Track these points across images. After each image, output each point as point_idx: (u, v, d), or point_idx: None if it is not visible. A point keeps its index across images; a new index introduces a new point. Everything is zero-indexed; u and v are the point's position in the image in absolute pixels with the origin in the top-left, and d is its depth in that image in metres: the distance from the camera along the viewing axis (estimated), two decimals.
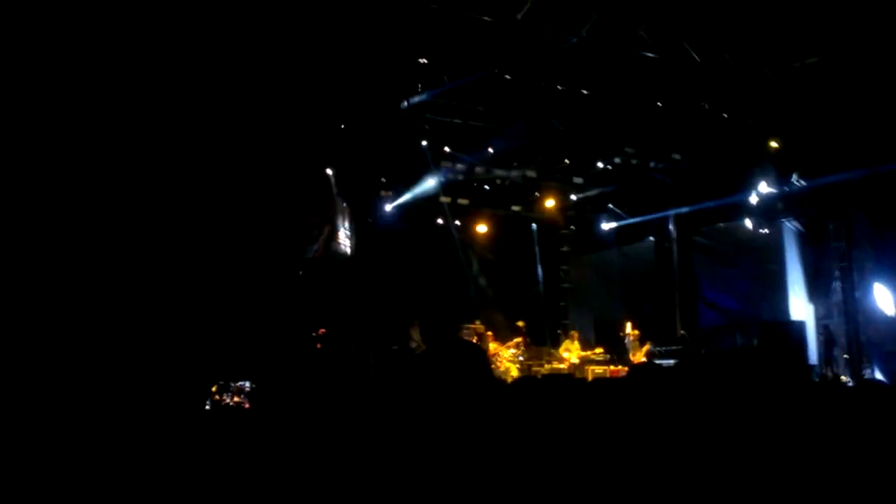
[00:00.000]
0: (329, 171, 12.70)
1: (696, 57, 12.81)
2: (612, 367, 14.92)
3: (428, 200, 15.95)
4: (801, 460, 3.07)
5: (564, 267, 19.68)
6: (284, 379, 10.42)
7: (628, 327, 15.79)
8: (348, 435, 2.91)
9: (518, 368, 14.74)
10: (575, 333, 16.43)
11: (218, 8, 10.17)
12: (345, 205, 12.69)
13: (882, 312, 14.35)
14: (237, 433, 3.70)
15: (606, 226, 18.62)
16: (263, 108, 11.74)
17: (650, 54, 12.45)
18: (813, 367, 14.24)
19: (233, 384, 10.93)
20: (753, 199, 15.62)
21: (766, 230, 16.07)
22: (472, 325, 15.22)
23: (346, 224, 13.17)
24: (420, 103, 13.06)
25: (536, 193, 17.40)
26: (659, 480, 2.71)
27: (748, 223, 16.28)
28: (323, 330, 12.10)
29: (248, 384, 10.75)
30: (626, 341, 15.67)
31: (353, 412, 3.16)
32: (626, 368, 14.40)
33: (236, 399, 10.61)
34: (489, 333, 14.99)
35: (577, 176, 17.00)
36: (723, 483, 2.77)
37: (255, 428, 3.69)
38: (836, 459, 2.97)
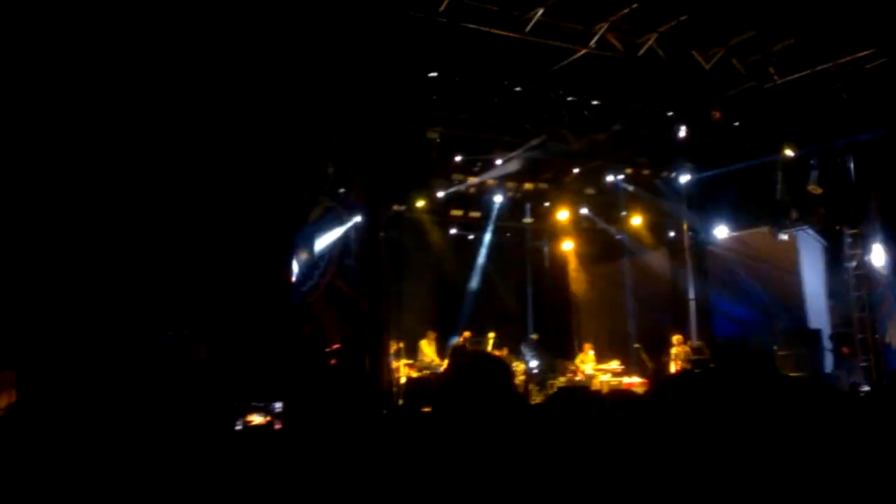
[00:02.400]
0: (342, 190, 12.69)
1: (705, 65, 12.78)
2: (626, 380, 14.79)
3: (439, 213, 15.94)
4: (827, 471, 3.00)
5: (577, 278, 19.62)
6: (309, 398, 10.30)
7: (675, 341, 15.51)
8: (371, 451, 2.86)
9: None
10: (588, 346, 16.34)
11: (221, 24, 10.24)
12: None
13: None
14: (268, 452, 3.66)
15: (619, 236, 18.53)
16: (271, 128, 11.79)
17: (659, 63, 12.44)
18: (832, 375, 14.08)
19: (263, 404, 10.82)
20: (768, 206, 15.51)
21: (782, 238, 15.93)
22: (485, 338, 15.14)
23: (358, 240, 13.12)
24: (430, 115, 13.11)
25: (546, 204, 17.34)
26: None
27: (763, 232, 16.16)
28: (337, 345, 12.06)
29: (278, 405, 10.58)
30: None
31: (374, 430, 3.11)
32: (643, 381, 14.27)
33: (267, 418, 10.43)
34: (505, 349, 14.90)
35: (589, 187, 16.94)
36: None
37: (285, 447, 3.64)
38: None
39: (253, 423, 9.32)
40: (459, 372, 2.15)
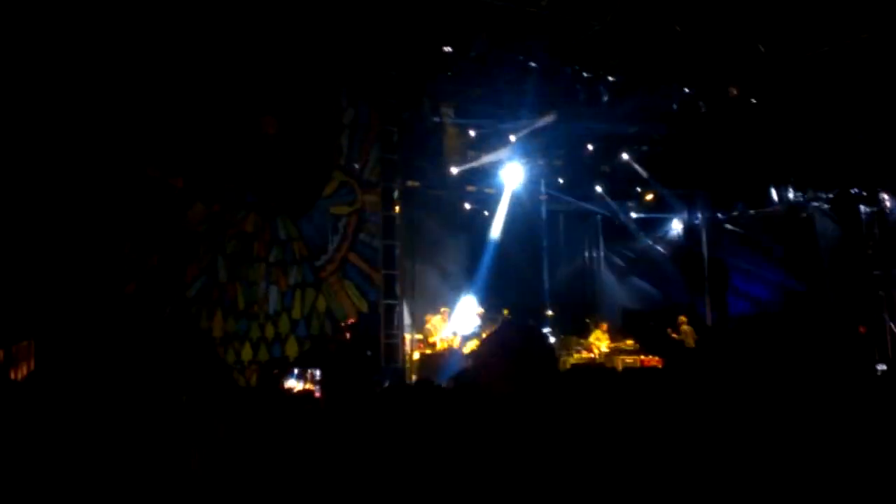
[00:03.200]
0: (356, 165, 12.65)
1: (724, 41, 12.62)
2: (642, 358, 14.76)
3: (454, 189, 15.90)
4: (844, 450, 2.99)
5: (593, 256, 19.58)
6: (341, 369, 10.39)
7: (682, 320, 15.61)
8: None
9: None
10: (604, 324, 16.31)
11: None
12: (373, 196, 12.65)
13: None
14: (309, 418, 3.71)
15: (635, 214, 18.45)
16: (287, 105, 11.79)
17: (677, 39, 12.29)
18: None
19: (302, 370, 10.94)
20: (783, 183, 15.43)
21: (798, 215, 15.84)
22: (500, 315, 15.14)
23: (373, 215, 13.11)
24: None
25: (561, 180, 17.26)
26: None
27: (779, 209, 16.07)
28: (352, 319, 12.11)
29: (318, 371, 10.65)
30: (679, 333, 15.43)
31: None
32: (657, 359, 14.24)
33: (308, 386, 10.49)
34: None
35: (604, 164, 16.84)
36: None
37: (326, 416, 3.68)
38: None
39: (294, 391, 9.39)
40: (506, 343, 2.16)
